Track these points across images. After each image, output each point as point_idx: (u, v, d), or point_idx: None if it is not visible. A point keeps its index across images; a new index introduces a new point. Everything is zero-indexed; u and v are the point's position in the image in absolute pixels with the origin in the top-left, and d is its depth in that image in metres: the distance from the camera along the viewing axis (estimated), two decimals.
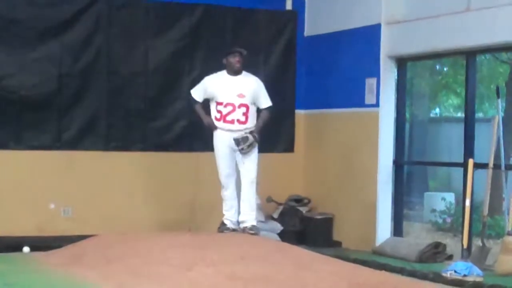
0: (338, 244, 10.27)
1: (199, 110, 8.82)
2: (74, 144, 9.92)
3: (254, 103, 8.72)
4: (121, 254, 7.60)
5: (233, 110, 8.60)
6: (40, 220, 9.61)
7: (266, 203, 10.60)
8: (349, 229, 10.18)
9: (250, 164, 8.66)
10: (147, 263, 7.14)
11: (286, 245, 8.56)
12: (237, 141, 8.55)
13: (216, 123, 8.66)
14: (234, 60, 8.66)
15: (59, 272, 7.50)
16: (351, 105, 10.25)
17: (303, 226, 10.55)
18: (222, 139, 8.66)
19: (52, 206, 9.76)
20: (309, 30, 11.12)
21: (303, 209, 10.68)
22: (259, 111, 8.81)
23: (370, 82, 9.94)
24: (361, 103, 10.07)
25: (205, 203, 9.64)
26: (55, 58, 9.81)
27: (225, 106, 8.61)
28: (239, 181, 8.73)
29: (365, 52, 10.06)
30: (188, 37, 10.38)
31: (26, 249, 8.89)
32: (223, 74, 8.74)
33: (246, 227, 8.65)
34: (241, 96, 8.62)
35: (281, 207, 10.71)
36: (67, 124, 9.90)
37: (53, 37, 9.80)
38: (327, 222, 10.44)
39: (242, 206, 8.70)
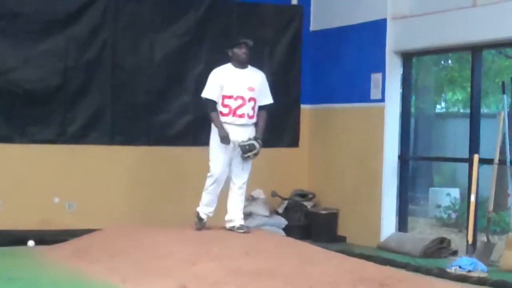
0: (342, 239, 10.27)
1: (216, 119, 8.29)
2: (78, 138, 9.90)
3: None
4: (126, 248, 7.62)
5: (243, 103, 8.29)
6: (45, 214, 9.60)
7: (270, 197, 10.61)
8: (353, 224, 10.17)
9: (247, 166, 8.42)
10: (152, 257, 7.15)
11: (291, 240, 8.57)
12: (244, 149, 8.24)
13: (224, 118, 8.30)
14: (241, 51, 8.36)
15: (64, 266, 7.52)
16: (357, 100, 10.24)
17: (307, 221, 10.54)
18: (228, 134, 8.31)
19: (56, 200, 9.75)
20: (314, 24, 11.09)
21: (308, 204, 10.68)
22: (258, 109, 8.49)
23: (376, 77, 9.92)
24: (366, 98, 10.05)
25: None
26: (60, 51, 9.78)
27: (235, 99, 8.28)
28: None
29: (370, 47, 10.04)
30: (194, 31, 10.36)
31: (30, 243, 8.92)
32: (229, 67, 8.42)
33: (234, 226, 8.36)
34: (251, 89, 8.33)
35: (285, 202, 10.71)
36: (72, 118, 9.88)
37: (58, 31, 9.77)
38: (332, 217, 10.43)
39: (232, 206, 8.40)
